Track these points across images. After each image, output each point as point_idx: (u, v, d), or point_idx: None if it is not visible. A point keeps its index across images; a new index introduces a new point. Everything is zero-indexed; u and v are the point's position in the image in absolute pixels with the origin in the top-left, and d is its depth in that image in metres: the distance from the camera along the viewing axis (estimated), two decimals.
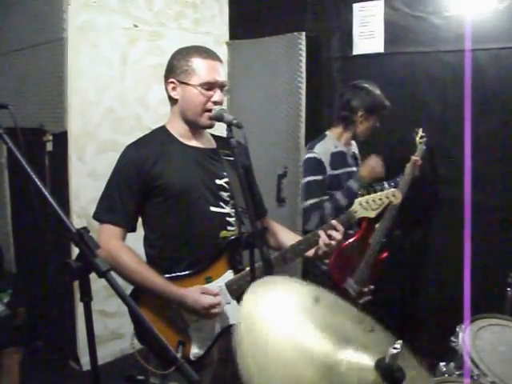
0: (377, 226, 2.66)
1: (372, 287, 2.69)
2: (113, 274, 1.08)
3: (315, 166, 2.66)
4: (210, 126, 1.84)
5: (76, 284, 1.08)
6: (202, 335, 1.79)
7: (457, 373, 1.81)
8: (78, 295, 1.12)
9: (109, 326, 3.39)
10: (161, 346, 1.07)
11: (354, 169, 2.75)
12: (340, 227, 1.81)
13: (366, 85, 2.72)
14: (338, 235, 1.80)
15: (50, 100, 3.26)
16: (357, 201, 1.85)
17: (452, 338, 1.89)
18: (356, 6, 3.36)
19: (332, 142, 2.74)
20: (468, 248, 2.07)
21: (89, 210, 3.12)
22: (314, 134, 2.91)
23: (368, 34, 3.31)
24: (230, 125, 1.65)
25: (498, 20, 2.78)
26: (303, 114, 3.49)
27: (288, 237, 2.00)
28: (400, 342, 1.06)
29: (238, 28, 4.05)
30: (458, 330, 1.90)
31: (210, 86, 1.77)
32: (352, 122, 2.73)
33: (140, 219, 1.86)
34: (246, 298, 1.04)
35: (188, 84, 1.78)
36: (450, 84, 2.99)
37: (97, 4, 3.21)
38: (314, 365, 0.97)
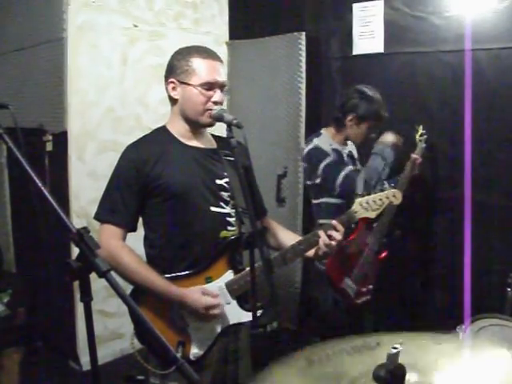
0: (375, 225, 2.66)
1: (371, 287, 2.69)
2: (113, 274, 1.08)
3: (321, 152, 2.69)
4: (211, 125, 1.85)
5: (76, 284, 1.08)
6: (201, 335, 1.79)
7: None
8: (78, 295, 1.12)
9: (108, 326, 3.38)
10: (161, 345, 1.07)
11: (351, 167, 2.74)
12: (340, 227, 1.81)
13: (365, 90, 2.70)
14: (338, 235, 1.80)
15: (50, 100, 3.26)
16: (357, 201, 1.85)
17: None
18: (356, 6, 3.35)
19: (327, 140, 2.76)
20: (468, 248, 2.07)
21: (88, 209, 3.12)
22: None
23: (368, 34, 3.31)
24: (230, 125, 1.65)
25: (498, 20, 2.78)
26: (303, 114, 3.49)
27: (288, 237, 2.00)
28: (401, 341, 1.06)
29: (238, 28, 4.05)
30: (458, 330, 1.90)
31: (210, 86, 1.77)
32: (343, 125, 2.73)
33: (140, 219, 1.86)
34: None
35: (188, 84, 1.78)
36: (450, 84, 2.99)
37: (96, 4, 3.20)
38: None
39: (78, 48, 3.13)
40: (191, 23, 3.83)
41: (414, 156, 2.69)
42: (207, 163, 1.86)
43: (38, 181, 1.11)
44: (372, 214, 1.86)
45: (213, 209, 1.83)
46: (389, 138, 2.71)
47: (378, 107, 2.67)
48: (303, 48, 3.44)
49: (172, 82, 1.82)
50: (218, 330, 1.81)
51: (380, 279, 2.77)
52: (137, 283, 1.76)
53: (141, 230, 1.87)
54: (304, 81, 3.46)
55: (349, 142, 2.85)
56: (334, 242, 1.79)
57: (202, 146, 1.88)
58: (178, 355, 1.70)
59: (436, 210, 3.16)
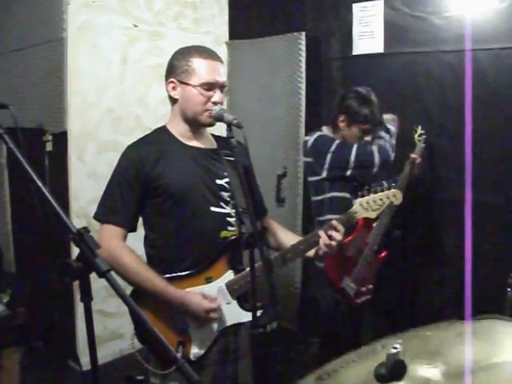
0: (374, 225, 2.66)
1: (371, 287, 2.68)
2: (113, 274, 1.08)
3: (327, 138, 2.71)
4: (211, 124, 1.84)
5: (76, 284, 1.08)
6: (201, 335, 1.79)
7: None
8: (78, 295, 1.12)
9: (108, 326, 3.38)
10: (161, 345, 1.07)
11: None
12: (340, 227, 1.81)
13: (360, 92, 2.69)
14: (338, 236, 1.80)
15: (50, 100, 3.26)
16: (357, 201, 1.84)
17: None
18: (356, 6, 3.35)
19: (329, 134, 2.76)
20: (468, 248, 2.07)
21: (88, 210, 3.12)
22: None
23: (368, 34, 3.31)
24: (230, 125, 1.64)
25: (498, 20, 2.78)
26: (303, 114, 3.49)
27: (288, 237, 2.00)
28: (400, 341, 1.06)
29: (238, 28, 4.05)
30: None
31: (209, 86, 1.77)
32: (336, 125, 2.73)
33: (140, 219, 1.86)
34: None
35: (188, 84, 1.78)
36: (449, 84, 2.99)
37: (96, 4, 3.20)
38: None
39: (78, 48, 3.13)
40: (191, 23, 3.83)
41: (413, 156, 2.69)
42: (207, 163, 1.86)
43: (38, 181, 1.11)
44: (372, 214, 1.86)
45: (213, 209, 1.83)
46: (386, 116, 2.78)
47: (370, 110, 2.64)
48: (303, 48, 3.44)
49: (172, 82, 1.82)
50: (218, 330, 1.81)
51: (380, 279, 2.77)
52: (137, 284, 1.76)
53: (141, 230, 1.87)
54: (304, 81, 3.46)
55: None
56: (334, 242, 1.79)
57: (202, 146, 1.88)
58: (178, 355, 1.70)
59: (436, 210, 3.16)
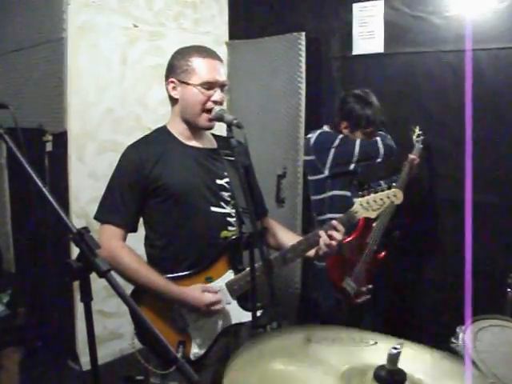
0: (374, 224, 2.66)
1: (370, 287, 2.69)
2: (113, 274, 1.08)
3: (330, 134, 2.73)
4: (209, 128, 1.85)
5: (76, 284, 1.08)
6: (202, 335, 1.79)
7: None
8: (78, 295, 1.12)
9: (108, 326, 3.38)
10: (161, 345, 1.07)
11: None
12: (341, 227, 1.81)
13: (361, 95, 2.69)
14: (338, 235, 1.80)
15: (50, 100, 3.25)
16: (357, 201, 1.84)
17: (452, 339, 1.89)
18: (356, 6, 3.35)
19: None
20: (468, 248, 2.06)
21: (88, 210, 3.12)
22: None
23: (368, 34, 3.31)
24: (230, 125, 1.65)
25: (498, 20, 2.78)
26: (303, 114, 3.48)
27: (288, 237, 2.00)
28: (401, 342, 1.06)
29: (238, 28, 4.04)
30: (458, 330, 1.90)
31: (209, 85, 1.77)
32: (339, 131, 2.74)
33: (141, 219, 1.86)
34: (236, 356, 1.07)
35: (188, 83, 1.78)
36: (450, 84, 2.99)
37: (96, 4, 3.20)
38: None
39: (78, 48, 3.12)
40: (191, 23, 3.83)
41: (411, 156, 2.70)
42: (207, 163, 1.86)
43: (38, 181, 1.11)
44: (373, 214, 1.86)
45: (213, 209, 1.83)
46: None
47: (372, 114, 2.65)
48: (303, 48, 3.44)
49: (172, 82, 1.82)
50: (219, 329, 1.81)
51: (380, 279, 2.77)
52: (137, 283, 1.76)
53: (141, 230, 1.87)
54: (304, 81, 3.45)
55: None
56: (334, 242, 1.79)
57: (202, 145, 1.88)
58: (179, 355, 1.70)
59: (436, 210, 3.16)
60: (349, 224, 1.88)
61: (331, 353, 1.15)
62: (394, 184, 1.90)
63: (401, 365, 1.03)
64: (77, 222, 3.08)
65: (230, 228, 1.85)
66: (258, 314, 1.70)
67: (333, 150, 2.64)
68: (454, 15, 2.95)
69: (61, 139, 3.19)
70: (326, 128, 2.81)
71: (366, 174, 2.75)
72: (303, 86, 3.46)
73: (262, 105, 3.76)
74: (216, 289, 1.78)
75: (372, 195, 1.84)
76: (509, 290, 2.29)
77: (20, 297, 3.14)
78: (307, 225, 3.37)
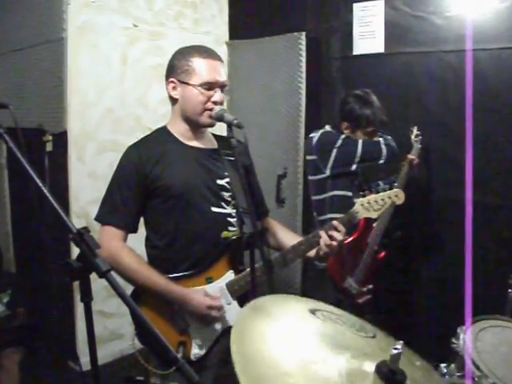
0: (374, 225, 2.66)
1: (371, 287, 2.68)
2: (113, 274, 1.08)
3: (333, 134, 2.71)
4: (211, 125, 1.84)
5: (76, 284, 1.08)
6: (202, 336, 1.79)
7: (457, 374, 1.80)
8: (78, 295, 1.12)
9: (108, 327, 3.38)
10: (161, 346, 1.07)
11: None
12: (341, 228, 1.80)
13: (361, 96, 2.69)
14: (339, 236, 1.79)
15: (50, 100, 3.25)
16: (358, 201, 1.84)
17: (453, 340, 1.88)
18: (356, 6, 3.35)
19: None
20: (469, 249, 2.06)
21: (88, 210, 3.12)
22: None
23: (368, 34, 3.30)
24: (230, 125, 1.64)
25: (499, 20, 2.78)
26: (303, 114, 3.48)
27: (288, 237, 2.00)
28: (401, 342, 1.05)
29: (238, 28, 4.04)
30: (458, 331, 1.89)
31: (210, 85, 1.77)
32: (340, 131, 2.73)
33: (141, 219, 1.86)
34: (239, 317, 1.06)
35: (188, 84, 1.78)
36: (450, 84, 2.98)
37: (96, 4, 3.20)
38: (313, 376, 0.97)
39: (78, 48, 3.13)
40: (191, 23, 3.83)
41: (410, 157, 2.70)
42: (208, 163, 1.86)
43: (38, 181, 1.11)
44: (374, 214, 1.86)
45: (214, 209, 1.82)
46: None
47: (372, 113, 2.64)
48: (303, 48, 3.44)
49: (172, 82, 1.82)
50: (219, 330, 1.81)
51: (380, 279, 2.77)
52: (138, 283, 1.76)
53: (142, 231, 1.87)
54: (304, 81, 3.45)
55: None
56: (335, 243, 1.79)
57: (202, 146, 1.88)
58: (179, 356, 1.70)
59: (436, 210, 3.16)
60: (350, 224, 1.88)
61: (332, 330, 1.15)
62: (395, 184, 1.89)
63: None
64: (77, 222, 3.08)
65: (230, 228, 1.85)
66: None
67: (335, 150, 2.64)
68: (454, 15, 2.94)
69: (61, 139, 3.19)
70: (328, 128, 2.81)
71: (364, 175, 2.75)
72: (303, 85, 3.46)
73: (262, 105, 3.76)
74: (216, 293, 1.78)
75: (373, 195, 1.83)
76: (509, 290, 2.28)
77: (20, 297, 3.13)
78: (307, 225, 3.37)
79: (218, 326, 1.80)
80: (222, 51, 3.91)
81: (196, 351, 1.78)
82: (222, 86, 1.80)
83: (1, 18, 3.67)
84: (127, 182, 1.78)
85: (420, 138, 2.76)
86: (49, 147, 3.29)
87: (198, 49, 1.82)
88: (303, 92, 3.46)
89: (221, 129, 1.79)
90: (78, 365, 3.23)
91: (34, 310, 3.25)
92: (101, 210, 1.81)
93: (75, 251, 1.08)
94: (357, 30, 3.37)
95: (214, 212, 1.82)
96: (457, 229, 2.79)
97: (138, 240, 1.89)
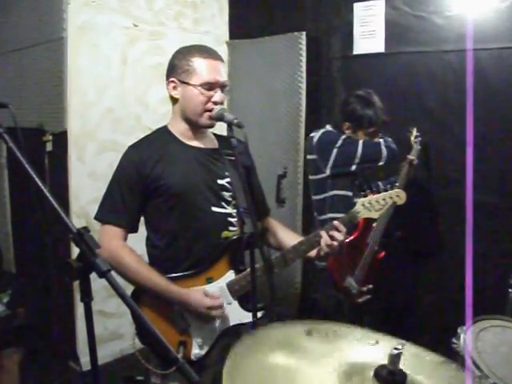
0: (374, 225, 2.66)
1: (371, 286, 2.68)
2: (113, 274, 1.08)
3: (334, 134, 2.71)
4: (211, 126, 1.84)
5: (76, 284, 1.08)
6: (203, 335, 1.79)
7: None
8: (78, 295, 1.12)
9: (108, 327, 3.38)
10: (161, 346, 1.07)
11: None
12: (342, 228, 1.80)
13: (362, 96, 2.68)
14: (340, 236, 1.79)
15: (50, 100, 3.25)
16: (359, 201, 1.84)
17: (453, 340, 1.88)
18: (357, 6, 3.34)
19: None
20: (469, 249, 2.06)
21: (88, 210, 3.12)
22: None
23: (369, 34, 3.30)
24: (230, 124, 1.64)
25: (500, 19, 2.77)
26: (303, 113, 3.48)
27: (289, 236, 2.00)
28: (402, 342, 1.05)
29: (238, 27, 4.04)
30: (459, 331, 1.89)
31: (210, 86, 1.77)
32: (341, 131, 2.73)
33: (142, 219, 1.86)
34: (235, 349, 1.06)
35: (189, 84, 1.77)
36: (451, 84, 2.98)
37: (96, 3, 3.20)
38: None
39: (78, 48, 3.12)
40: (191, 23, 3.83)
41: (409, 157, 2.70)
42: (208, 163, 1.85)
43: (38, 180, 1.11)
44: (375, 215, 1.85)
45: (214, 209, 1.82)
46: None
47: (374, 113, 2.64)
48: (303, 48, 3.44)
49: (173, 82, 1.82)
50: (220, 330, 1.81)
51: (380, 279, 2.77)
52: (138, 283, 1.76)
53: (142, 230, 1.86)
54: (304, 81, 3.45)
55: None
56: (335, 243, 1.78)
57: (203, 145, 1.88)
58: (179, 355, 1.70)
59: (437, 210, 3.16)
60: (350, 224, 1.88)
61: (332, 348, 1.15)
62: (396, 184, 1.89)
63: (401, 366, 1.03)
64: (77, 222, 3.07)
65: (231, 228, 1.85)
66: (259, 314, 1.69)
67: (335, 150, 2.64)
68: (455, 15, 2.94)
69: (61, 139, 3.19)
70: (329, 127, 2.80)
71: (364, 175, 2.75)
72: (304, 85, 3.45)
73: (262, 105, 3.75)
74: (217, 293, 1.78)
75: (375, 195, 1.83)
76: (510, 290, 2.28)
77: (20, 297, 3.13)
78: (307, 225, 3.36)
79: (219, 326, 1.80)
80: (222, 51, 3.91)
81: (196, 351, 1.78)
82: (222, 86, 1.80)
83: (1, 17, 3.67)
84: (127, 181, 1.77)
85: (419, 139, 2.76)
86: (49, 147, 3.29)
87: (198, 48, 1.82)
88: (303, 92, 3.46)
89: (221, 128, 1.79)
90: (78, 365, 3.23)
91: (33, 309, 3.25)
92: (101, 209, 1.81)
93: (75, 251, 1.08)
94: (357, 30, 3.36)
95: (215, 212, 1.82)
96: (457, 229, 2.80)
97: (138, 239, 1.89)
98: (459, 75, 2.86)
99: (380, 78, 3.22)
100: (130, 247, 1.78)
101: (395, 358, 1.02)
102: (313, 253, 1.86)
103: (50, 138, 3.28)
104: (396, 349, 1.02)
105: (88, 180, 3.21)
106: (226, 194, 1.85)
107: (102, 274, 1.05)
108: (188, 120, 1.84)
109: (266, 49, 3.70)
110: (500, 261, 2.81)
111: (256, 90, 3.80)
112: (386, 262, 2.77)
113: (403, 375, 1.04)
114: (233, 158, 1.72)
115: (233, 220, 1.86)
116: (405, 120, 2.99)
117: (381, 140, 2.68)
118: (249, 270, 1.74)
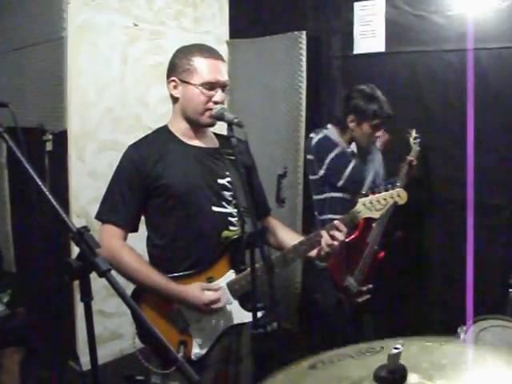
0: (374, 225, 2.66)
1: (370, 286, 2.68)
2: (114, 273, 1.08)
3: (331, 142, 2.71)
4: (211, 125, 1.84)
5: (76, 284, 1.07)
6: (203, 335, 1.78)
7: None
8: (78, 295, 1.11)
9: (108, 326, 3.37)
10: (162, 345, 1.07)
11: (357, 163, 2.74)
12: (343, 228, 1.80)
13: (365, 89, 2.69)
14: (340, 236, 1.79)
15: (50, 99, 3.25)
16: (360, 201, 1.83)
17: None
18: (357, 5, 3.34)
19: (335, 134, 2.75)
20: (470, 249, 2.06)
21: (88, 209, 3.12)
22: None
23: (369, 33, 3.30)
24: (230, 124, 1.64)
25: (500, 19, 2.77)
26: (303, 113, 3.47)
27: (289, 236, 1.99)
28: (402, 342, 1.05)
29: (239, 27, 4.03)
30: (459, 331, 1.89)
31: (211, 85, 1.76)
32: (345, 126, 2.72)
33: (142, 218, 1.85)
34: None
35: (189, 83, 1.77)
36: (451, 83, 2.98)
37: (96, 3, 3.19)
38: None
39: (78, 47, 3.12)
40: (191, 22, 3.82)
41: (409, 158, 2.70)
42: (209, 163, 1.85)
43: (38, 180, 1.10)
44: (376, 214, 1.85)
45: (215, 208, 1.82)
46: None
47: (379, 106, 2.65)
48: (304, 47, 3.43)
49: (173, 81, 1.81)
50: (220, 330, 1.80)
51: (381, 279, 2.77)
52: (138, 282, 1.76)
53: (142, 230, 1.86)
54: (304, 80, 3.45)
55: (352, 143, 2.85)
56: (336, 243, 1.78)
57: (203, 145, 1.87)
58: (180, 355, 1.70)
59: (438, 210, 3.15)
60: (351, 224, 1.88)
61: (338, 370, 1.13)
62: (397, 184, 1.88)
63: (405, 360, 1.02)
64: (77, 222, 3.06)
65: (231, 228, 1.84)
66: (259, 314, 1.69)
67: (328, 160, 2.66)
68: (455, 14, 2.94)
69: (61, 138, 3.18)
70: (330, 127, 2.79)
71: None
72: (304, 85, 3.45)
73: (262, 104, 3.75)
74: (216, 286, 1.78)
75: (375, 195, 1.82)
76: (510, 290, 2.28)
77: (20, 297, 3.13)
78: (307, 225, 3.36)
79: (219, 326, 1.80)
80: (223, 50, 3.90)
81: (197, 351, 1.78)
82: (223, 86, 1.80)
83: (1, 17, 3.66)
84: (128, 180, 1.77)
85: (418, 140, 2.76)
86: (49, 146, 3.29)
87: (199, 48, 1.82)
88: (303, 91, 3.45)
89: (221, 128, 1.79)
90: (78, 365, 3.22)
91: (33, 309, 3.25)
92: (101, 209, 1.81)
93: (75, 250, 1.08)
94: (357, 29, 3.36)
95: (215, 211, 1.82)
96: (457, 228, 2.79)
97: (138, 239, 1.89)
98: (459, 75, 2.85)
99: (380, 77, 3.22)
100: (129, 246, 1.78)
101: (394, 357, 1.01)
102: (313, 253, 1.86)
103: (50, 137, 3.27)
104: (396, 348, 1.02)
105: (88, 179, 3.21)
106: (227, 194, 1.85)
107: (102, 274, 1.05)
108: (189, 119, 1.84)
109: (267, 48, 3.70)
110: (500, 261, 2.81)
111: (256, 90, 3.79)
112: (385, 261, 2.77)
113: (402, 372, 1.03)
114: (233, 158, 1.72)
115: (233, 219, 1.85)
116: (405, 119, 2.99)
117: (370, 166, 2.69)
118: (249, 269, 1.73)
